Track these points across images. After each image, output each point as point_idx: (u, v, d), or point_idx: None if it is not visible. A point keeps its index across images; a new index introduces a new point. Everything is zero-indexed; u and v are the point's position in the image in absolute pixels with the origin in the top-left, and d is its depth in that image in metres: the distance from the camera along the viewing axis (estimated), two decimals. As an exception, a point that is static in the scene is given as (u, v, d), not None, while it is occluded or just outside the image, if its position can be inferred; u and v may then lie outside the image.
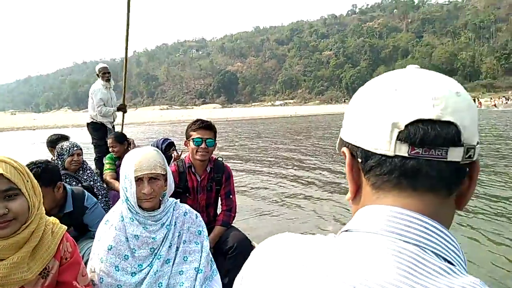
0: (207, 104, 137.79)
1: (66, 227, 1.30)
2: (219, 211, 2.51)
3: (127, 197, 1.48)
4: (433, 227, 0.40)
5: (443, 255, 0.39)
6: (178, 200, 1.71)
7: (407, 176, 0.41)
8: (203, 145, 2.25)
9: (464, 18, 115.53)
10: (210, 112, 60.86)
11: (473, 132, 0.41)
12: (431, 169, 0.40)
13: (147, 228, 1.52)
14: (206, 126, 2.29)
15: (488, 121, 20.51)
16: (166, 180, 1.55)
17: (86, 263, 1.50)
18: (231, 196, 2.47)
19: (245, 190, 6.06)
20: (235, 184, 2.57)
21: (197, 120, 2.33)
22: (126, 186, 1.47)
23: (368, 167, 0.44)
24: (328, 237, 0.44)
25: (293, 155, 10.27)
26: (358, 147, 0.44)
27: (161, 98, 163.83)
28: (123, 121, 5.51)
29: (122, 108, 5.23)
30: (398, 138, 0.40)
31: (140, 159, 1.47)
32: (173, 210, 1.63)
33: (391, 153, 0.41)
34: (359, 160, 0.45)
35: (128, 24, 4.15)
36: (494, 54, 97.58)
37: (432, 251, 0.39)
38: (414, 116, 0.39)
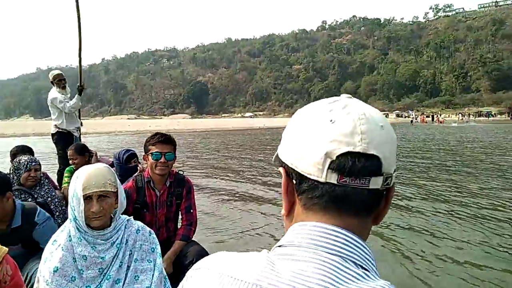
0: (177, 114, 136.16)
1: (6, 249, 1.21)
2: (179, 225, 2.46)
3: (75, 216, 1.42)
4: (353, 240, 0.46)
5: (359, 263, 0.45)
6: (131, 217, 1.67)
7: (335, 201, 0.46)
8: (162, 159, 2.20)
9: (427, 38, 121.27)
10: (178, 122, 59.90)
11: (392, 162, 0.48)
12: (355, 196, 0.46)
13: (96, 247, 1.47)
14: (165, 140, 2.24)
15: (442, 136, 21.20)
16: (117, 197, 1.51)
17: (33, 285, 1.42)
18: (191, 211, 2.43)
19: (207, 203, 5.73)
20: (197, 198, 2.51)
21: (156, 134, 2.29)
22: (74, 204, 1.41)
23: (301, 189, 0.49)
24: (261, 253, 0.48)
25: (258, 165, 10.13)
26: (294, 169, 0.49)
27: (129, 107, 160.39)
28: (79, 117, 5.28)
29: (81, 89, 5.06)
30: (329, 167, 0.45)
31: (89, 176, 1.42)
32: (125, 228, 1.57)
33: (322, 180, 0.46)
34: (294, 181, 0.50)
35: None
36: (453, 73, 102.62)
37: (351, 260, 0.44)
38: (345, 149, 0.45)
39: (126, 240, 1.55)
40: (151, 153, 2.20)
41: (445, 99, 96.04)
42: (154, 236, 1.67)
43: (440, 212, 5.05)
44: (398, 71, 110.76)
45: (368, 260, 0.46)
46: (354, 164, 0.45)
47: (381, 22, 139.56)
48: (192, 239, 2.40)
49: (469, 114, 74.48)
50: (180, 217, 2.46)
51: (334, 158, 0.45)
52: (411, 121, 53.56)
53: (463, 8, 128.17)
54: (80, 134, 5.11)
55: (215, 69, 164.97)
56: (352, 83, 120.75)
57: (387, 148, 0.47)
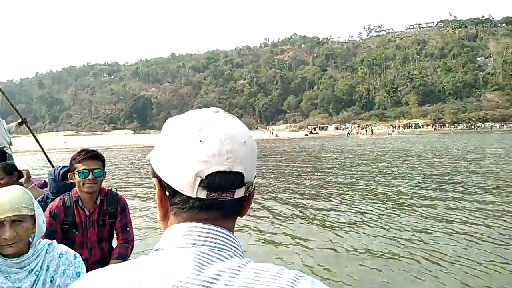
0: (118, 130, 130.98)
1: None
2: (115, 244, 2.36)
3: None
4: (221, 233, 0.53)
5: (227, 250, 0.52)
6: (54, 241, 1.55)
7: (205, 210, 0.53)
8: (90, 176, 2.10)
9: (361, 56, 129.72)
10: (121, 138, 57.63)
11: (253, 172, 0.56)
12: (223, 205, 0.53)
13: (10, 277, 1.33)
14: (92, 156, 2.13)
15: (371, 147, 22.85)
16: (34, 221, 1.37)
17: None
18: (128, 229, 2.33)
19: (145, 220, 5.67)
20: (133, 216, 2.47)
21: (82, 150, 2.18)
22: None
23: (174, 201, 0.54)
24: (138, 259, 0.53)
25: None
26: (167, 184, 0.54)
27: (66, 123, 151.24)
28: (41, 146, 5.09)
29: (23, 122, 4.81)
30: (199, 185, 0.51)
31: (1, 200, 1.30)
32: (46, 253, 1.45)
33: (193, 195, 0.52)
34: (167, 193, 0.55)
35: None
36: (384, 88, 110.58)
37: (219, 249, 0.51)
38: (213, 169, 0.51)
39: (47, 266, 1.43)
40: (78, 171, 2.10)
41: (378, 112, 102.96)
42: (80, 260, 1.55)
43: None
44: (336, 86, 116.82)
45: (234, 247, 0.52)
46: (221, 182, 0.51)
47: (320, 40, 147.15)
48: (129, 258, 2.31)
49: (398, 126, 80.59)
50: (115, 236, 2.38)
51: (204, 177, 0.51)
52: (348, 133, 56.78)
53: (392, 29, 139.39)
54: (12, 153, 4.88)
55: (159, 84, 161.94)
56: (294, 98, 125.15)
57: (248, 162, 0.54)
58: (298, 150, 23.08)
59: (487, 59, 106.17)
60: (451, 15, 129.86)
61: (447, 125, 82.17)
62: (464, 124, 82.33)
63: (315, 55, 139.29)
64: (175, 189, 0.53)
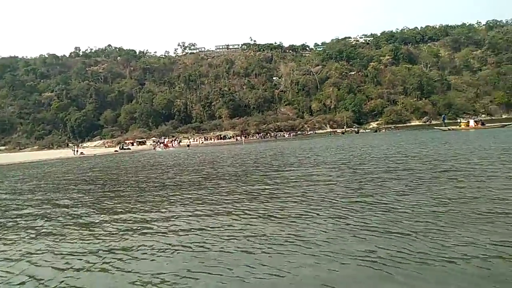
0: None
1: None
2: None
3: None
4: None
5: None
6: None
7: None
8: None
9: (177, 71, 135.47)
10: None
11: None
12: None
13: None
14: None
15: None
16: None
17: None
18: None
19: None
20: None
21: None
22: None
23: None
24: None
25: None
26: None
27: None
28: None
29: None
30: None
31: None
32: None
33: None
34: None
35: None
36: (200, 103, 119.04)
37: None
38: None
39: None
40: None
41: (195, 125, 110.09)
42: None
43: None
44: (155, 100, 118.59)
45: None
46: None
47: (137, 53, 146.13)
48: None
49: (211, 138, 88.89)
50: None
51: None
52: (154, 147, 58.98)
53: (204, 48, 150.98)
54: None
55: None
56: (112, 112, 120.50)
57: None
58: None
59: (280, 79, 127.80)
60: (252, 40, 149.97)
61: (251, 135, 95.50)
62: (262, 133, 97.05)
63: (132, 68, 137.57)
64: None
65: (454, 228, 4.87)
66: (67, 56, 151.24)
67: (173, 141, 69.51)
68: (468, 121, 45.60)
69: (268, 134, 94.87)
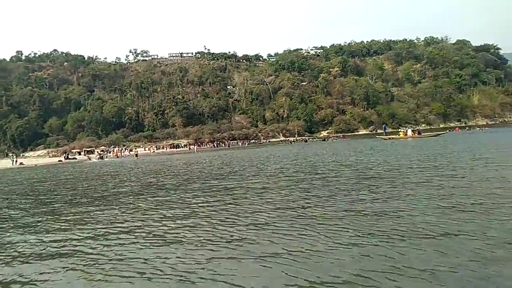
0: None
1: None
2: None
3: None
4: None
5: None
6: None
7: None
8: None
9: (129, 78, 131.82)
10: None
11: None
12: None
13: None
14: None
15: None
16: None
17: None
18: None
19: None
20: None
21: None
22: None
23: None
24: None
25: None
26: None
27: None
28: None
29: None
30: None
31: None
32: None
33: None
34: None
35: None
36: (153, 111, 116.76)
37: None
38: None
39: None
40: None
41: (147, 133, 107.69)
42: None
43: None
44: (104, 108, 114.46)
45: None
46: None
47: (85, 59, 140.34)
48: None
49: (163, 147, 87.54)
50: None
51: None
52: (101, 156, 56.83)
53: (157, 55, 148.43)
54: None
55: None
56: (58, 120, 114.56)
57: None
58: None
59: (234, 88, 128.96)
60: (206, 48, 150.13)
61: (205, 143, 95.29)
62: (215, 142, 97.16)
63: (80, 74, 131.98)
64: None
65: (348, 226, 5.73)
66: (8, 60, 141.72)
67: (122, 150, 67.53)
68: (406, 131, 49.15)
69: (222, 143, 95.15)
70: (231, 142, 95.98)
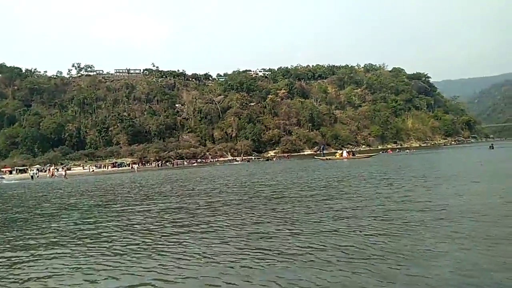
0: None
1: None
2: None
3: None
4: None
5: None
6: None
7: None
8: None
9: (71, 93, 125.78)
10: None
11: None
12: None
13: None
14: None
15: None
16: None
17: None
18: None
19: None
20: None
21: None
22: None
23: None
24: None
25: None
26: None
27: None
28: None
29: None
30: None
31: None
32: None
33: None
34: None
35: None
36: (96, 128, 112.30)
37: None
38: None
39: None
40: None
41: (88, 151, 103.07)
42: None
43: None
44: (42, 124, 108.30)
45: None
46: None
47: (23, 71, 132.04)
48: None
49: (105, 165, 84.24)
50: None
51: None
52: (31, 176, 52.36)
53: (102, 70, 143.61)
54: None
55: None
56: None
57: None
58: None
59: (183, 106, 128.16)
60: (154, 66, 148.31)
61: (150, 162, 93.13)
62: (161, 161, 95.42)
63: (16, 87, 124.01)
64: None
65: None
66: None
67: (56, 169, 64.01)
68: (342, 152, 52.10)
69: (168, 162, 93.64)
70: (177, 161, 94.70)
